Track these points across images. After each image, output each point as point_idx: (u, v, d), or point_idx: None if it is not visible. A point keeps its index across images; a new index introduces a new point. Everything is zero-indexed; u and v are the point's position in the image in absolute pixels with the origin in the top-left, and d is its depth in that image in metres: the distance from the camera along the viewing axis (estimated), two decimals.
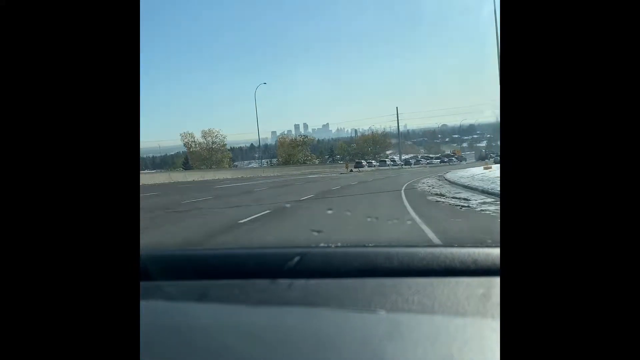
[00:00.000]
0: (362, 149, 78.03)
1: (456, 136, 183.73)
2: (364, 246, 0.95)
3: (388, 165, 59.57)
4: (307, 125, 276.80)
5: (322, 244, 0.97)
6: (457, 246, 0.90)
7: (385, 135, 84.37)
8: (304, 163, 56.92)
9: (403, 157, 72.57)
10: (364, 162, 57.54)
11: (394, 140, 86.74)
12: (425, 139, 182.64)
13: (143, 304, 0.60)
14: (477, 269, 0.81)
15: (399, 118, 70.80)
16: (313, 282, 0.79)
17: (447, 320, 0.64)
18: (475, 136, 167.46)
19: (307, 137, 67.79)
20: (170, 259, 0.97)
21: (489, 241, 0.91)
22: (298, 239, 5.32)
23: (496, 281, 0.60)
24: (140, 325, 0.57)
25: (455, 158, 79.19)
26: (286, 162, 56.82)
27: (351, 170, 44.03)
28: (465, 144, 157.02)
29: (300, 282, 0.79)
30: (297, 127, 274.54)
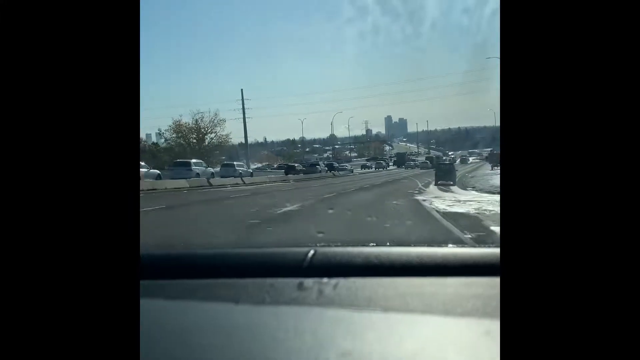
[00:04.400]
0: (172, 150, 42.43)
1: (317, 146, 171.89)
2: (364, 245, 0.96)
3: (196, 174, 23.60)
4: (160, 130, 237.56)
5: (323, 244, 0.96)
6: (457, 246, 0.92)
7: (219, 123, 45.59)
8: None
9: (254, 165, 46.55)
10: None
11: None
12: (285, 148, 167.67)
13: (143, 302, 0.60)
14: (477, 268, 0.80)
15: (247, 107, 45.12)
16: (314, 282, 0.79)
17: (447, 320, 0.64)
18: (337, 146, 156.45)
19: None
20: (171, 258, 0.98)
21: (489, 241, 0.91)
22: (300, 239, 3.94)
23: (496, 281, 0.60)
24: (140, 324, 0.57)
25: (384, 161, 59.16)
26: None
27: None
28: (326, 154, 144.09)
29: (300, 282, 0.79)
30: (148, 136, 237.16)
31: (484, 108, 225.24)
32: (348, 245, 0.96)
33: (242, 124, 47.50)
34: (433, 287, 0.76)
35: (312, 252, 0.87)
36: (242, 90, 55.97)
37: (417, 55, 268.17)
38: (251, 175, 30.37)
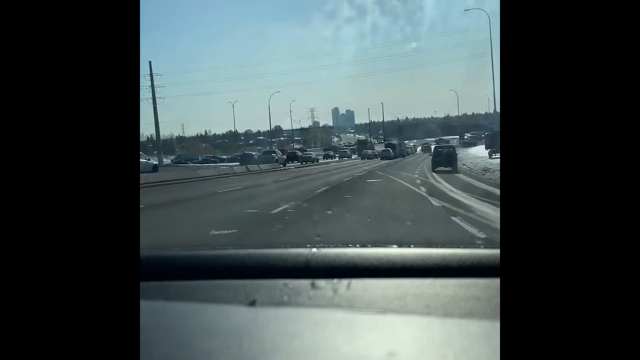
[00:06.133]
0: None
1: (261, 138, 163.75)
2: (363, 246, 0.96)
3: None
4: None
5: (321, 244, 0.96)
6: (457, 247, 0.91)
7: None
8: None
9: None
10: None
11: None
12: (227, 140, 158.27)
13: (143, 304, 0.60)
14: (478, 270, 0.80)
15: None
16: (312, 283, 0.79)
17: (447, 321, 0.64)
18: (282, 138, 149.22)
19: None
20: (170, 259, 0.99)
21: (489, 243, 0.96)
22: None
23: (496, 282, 0.60)
24: (140, 325, 0.57)
25: (347, 150, 56.77)
26: None
27: None
28: (271, 147, 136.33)
29: (299, 283, 0.79)
30: None
31: (432, 97, 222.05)
32: (346, 246, 0.95)
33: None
34: (433, 288, 0.76)
35: (312, 253, 0.88)
36: (150, 62, 43.15)
37: (361, 43, 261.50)
38: (153, 170, 21.52)
